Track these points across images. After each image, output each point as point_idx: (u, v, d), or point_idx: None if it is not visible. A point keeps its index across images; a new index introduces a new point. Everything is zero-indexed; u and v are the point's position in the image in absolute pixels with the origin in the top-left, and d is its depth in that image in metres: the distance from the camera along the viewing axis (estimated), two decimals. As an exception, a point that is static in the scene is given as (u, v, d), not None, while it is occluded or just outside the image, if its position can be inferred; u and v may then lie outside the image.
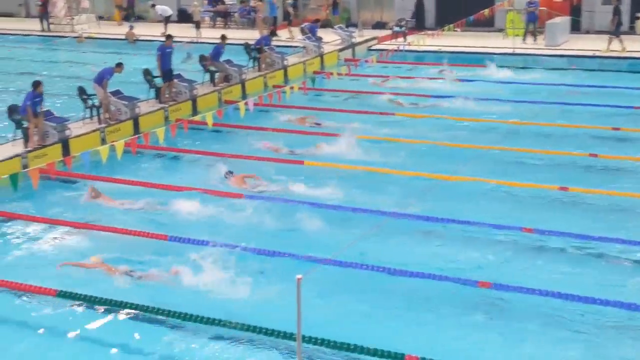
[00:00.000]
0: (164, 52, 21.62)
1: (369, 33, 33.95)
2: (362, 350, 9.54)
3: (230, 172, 15.83)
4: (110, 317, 10.77)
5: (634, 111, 20.84)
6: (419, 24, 34.98)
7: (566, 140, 18.32)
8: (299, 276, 7.29)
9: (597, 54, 28.44)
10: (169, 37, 22.29)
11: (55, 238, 13.42)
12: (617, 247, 12.42)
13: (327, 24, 33.59)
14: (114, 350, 10.02)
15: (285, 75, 26.45)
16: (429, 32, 30.65)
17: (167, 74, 21.79)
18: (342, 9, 36.79)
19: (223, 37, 24.49)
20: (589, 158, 16.86)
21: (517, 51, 29.60)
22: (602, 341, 9.93)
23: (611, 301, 10.52)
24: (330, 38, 31.06)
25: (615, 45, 28.31)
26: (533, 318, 10.44)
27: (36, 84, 17.50)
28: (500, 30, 33.05)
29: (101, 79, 19.46)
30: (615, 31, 28.48)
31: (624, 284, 11.36)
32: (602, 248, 12.44)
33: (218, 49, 24.13)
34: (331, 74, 23.43)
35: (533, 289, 10.88)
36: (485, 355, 9.76)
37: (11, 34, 37.34)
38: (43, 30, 37.91)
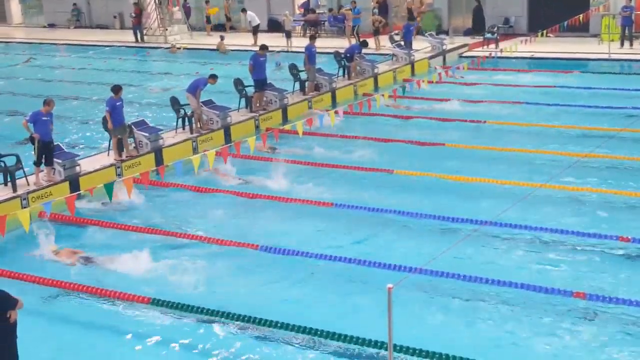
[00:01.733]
0: (257, 61, 21.85)
1: (459, 40, 33.59)
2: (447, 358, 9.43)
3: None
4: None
5: None
6: (476, 28, 34.52)
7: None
8: (390, 285, 7.22)
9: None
10: (263, 47, 22.51)
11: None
12: None
13: (417, 32, 33.37)
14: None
15: (376, 83, 26.41)
16: (521, 37, 30.10)
17: (260, 83, 22.02)
18: (433, 15, 36.51)
19: (312, 38, 24.75)
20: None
21: (613, 56, 28.77)
22: None
23: None
24: (421, 45, 30.86)
25: None
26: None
27: (116, 89, 17.58)
28: (595, 35, 32.19)
29: (195, 89, 19.77)
30: None
31: None
32: None
33: (310, 47, 24.11)
34: (422, 81, 23.25)
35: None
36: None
37: (106, 46, 38.45)
38: (137, 42, 38.92)
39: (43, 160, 16.19)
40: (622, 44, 30.33)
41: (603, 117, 20.73)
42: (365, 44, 27.08)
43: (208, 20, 40.56)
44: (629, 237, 12.66)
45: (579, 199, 14.90)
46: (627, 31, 30.36)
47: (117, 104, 17.48)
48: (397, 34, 31.58)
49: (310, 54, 23.98)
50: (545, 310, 10.79)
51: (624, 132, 18.71)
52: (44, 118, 16.05)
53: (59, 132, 18.04)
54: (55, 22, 46.34)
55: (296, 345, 10.23)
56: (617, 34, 30.61)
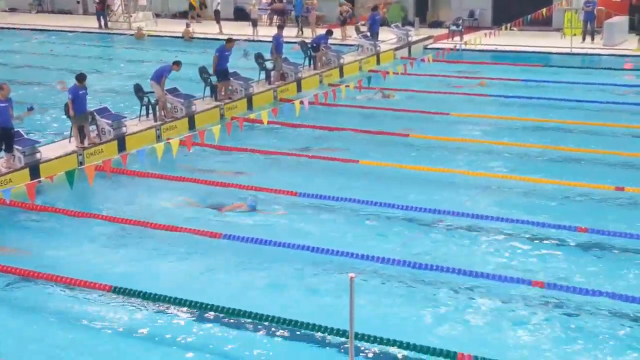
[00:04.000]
0: (222, 54, 21.78)
1: (425, 32, 33.73)
2: (414, 348, 9.49)
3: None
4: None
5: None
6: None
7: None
8: (352, 275, 7.28)
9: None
10: (230, 40, 22.37)
11: (107, 234, 13.63)
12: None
13: (383, 23, 33.43)
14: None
15: (341, 73, 26.45)
16: (486, 31, 30.32)
17: (222, 75, 21.94)
18: (399, 7, 36.62)
19: (280, 27, 24.93)
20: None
21: (575, 51, 29.13)
22: None
23: None
24: (386, 37, 30.95)
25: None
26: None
27: (81, 78, 17.42)
28: (558, 29, 32.54)
29: (159, 77, 19.62)
30: None
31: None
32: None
33: (277, 37, 24.12)
34: (387, 72, 23.32)
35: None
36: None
37: (69, 31, 37.96)
38: (100, 28, 38.46)
39: (3, 147, 16.00)
40: (583, 39, 30.72)
41: (561, 110, 21.03)
42: (330, 33, 27.09)
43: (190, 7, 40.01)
44: (586, 227, 12.88)
45: (537, 190, 15.12)
46: (588, 26, 30.75)
47: (81, 92, 17.32)
48: (363, 25, 31.63)
49: (277, 44, 23.98)
50: (505, 298, 10.95)
51: (582, 125, 19.07)
52: (1, 104, 15.84)
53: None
54: (17, 6, 45.59)
55: (258, 332, 10.27)
56: (579, 29, 30.98)
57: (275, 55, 23.95)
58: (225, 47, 21.88)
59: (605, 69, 26.54)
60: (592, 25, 30.80)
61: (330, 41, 26.86)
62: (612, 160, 16.67)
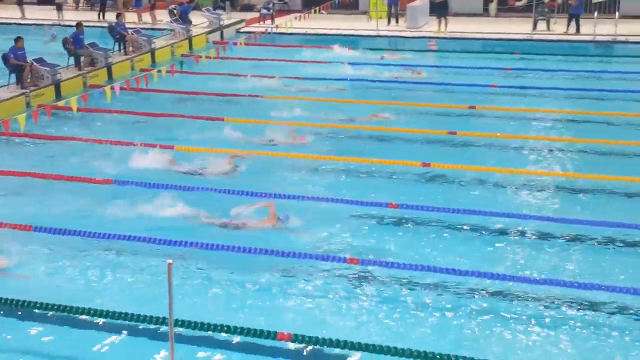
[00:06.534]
0: (16, 54, 21.19)
1: (237, 15, 33.84)
2: (234, 330, 9.59)
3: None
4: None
5: (489, 89, 21.83)
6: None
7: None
8: (170, 261, 7.30)
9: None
10: (19, 39, 21.47)
11: None
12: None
13: (195, 7, 33.20)
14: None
15: (153, 58, 26.07)
16: (296, 14, 30.85)
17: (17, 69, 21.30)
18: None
19: (79, 25, 23.99)
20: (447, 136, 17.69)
21: (381, 33, 30.27)
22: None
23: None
24: (198, 20, 30.78)
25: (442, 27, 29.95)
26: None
27: None
28: (365, 12, 33.66)
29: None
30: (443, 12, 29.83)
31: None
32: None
33: (77, 36, 23.52)
34: (200, 57, 23.23)
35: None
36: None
37: None
38: None
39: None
40: (389, 22, 31.98)
41: (371, 91, 21.87)
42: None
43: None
44: (397, 203, 13.49)
45: (350, 169, 15.65)
46: (392, 9, 32.06)
47: None
48: (174, 9, 31.28)
49: (76, 40, 23.51)
50: (318, 275, 11.29)
51: (390, 105, 19.95)
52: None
53: None
54: None
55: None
56: (384, 12, 32.23)
57: (74, 50, 23.49)
58: (16, 46, 21.13)
59: (413, 51, 27.64)
60: (396, 8, 32.18)
61: (140, 26, 26.40)
62: (418, 137, 17.53)
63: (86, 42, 23.87)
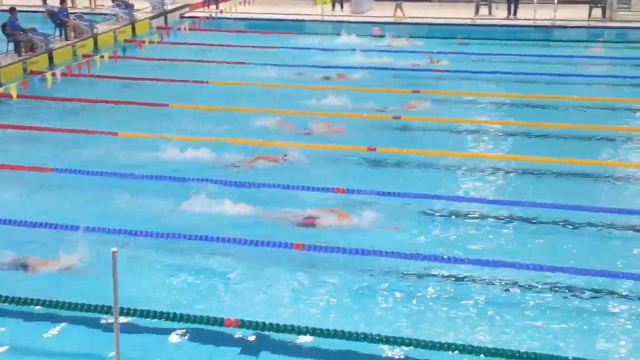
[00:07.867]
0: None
1: (181, 0, 33.53)
2: (182, 318, 9.61)
3: None
4: None
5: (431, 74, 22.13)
6: None
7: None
8: (114, 249, 7.29)
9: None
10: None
11: None
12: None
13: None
14: None
15: (96, 44, 25.73)
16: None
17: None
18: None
19: (12, 9, 23.59)
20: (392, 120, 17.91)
21: (326, 18, 30.32)
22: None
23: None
24: (141, 5, 30.44)
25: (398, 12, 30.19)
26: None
27: None
28: (310, -2, 33.68)
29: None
30: None
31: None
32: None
33: (13, 21, 23.09)
34: (143, 42, 23.03)
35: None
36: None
37: None
38: None
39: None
40: (333, 7, 32.07)
41: (316, 74, 21.95)
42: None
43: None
44: (344, 188, 13.60)
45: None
46: (338, -5, 32.14)
47: None
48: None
49: (12, 26, 23.07)
50: (265, 261, 11.35)
51: (327, 89, 19.90)
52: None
53: None
54: None
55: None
56: (329, -3, 32.30)
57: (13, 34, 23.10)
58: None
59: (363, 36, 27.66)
60: (341, -6, 32.23)
61: (82, 11, 26.05)
62: (366, 123, 17.67)
63: (27, 27, 23.45)
